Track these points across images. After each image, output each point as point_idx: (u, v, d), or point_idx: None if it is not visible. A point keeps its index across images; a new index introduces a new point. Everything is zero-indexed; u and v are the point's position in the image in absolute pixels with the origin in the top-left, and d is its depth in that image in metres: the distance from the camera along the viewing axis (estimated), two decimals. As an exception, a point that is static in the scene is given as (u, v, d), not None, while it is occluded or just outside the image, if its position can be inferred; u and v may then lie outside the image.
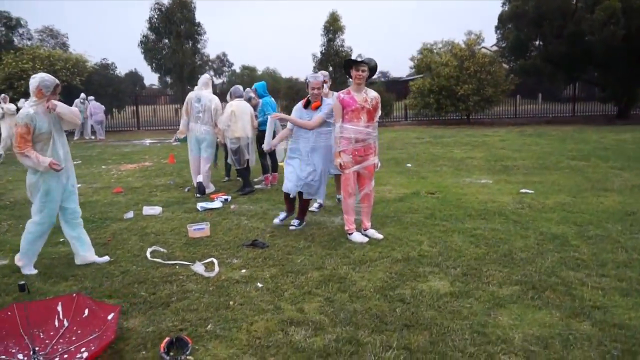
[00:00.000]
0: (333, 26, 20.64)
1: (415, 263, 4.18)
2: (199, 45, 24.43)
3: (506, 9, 20.14)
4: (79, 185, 8.36)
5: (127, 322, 3.28)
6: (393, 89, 24.97)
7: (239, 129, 7.17)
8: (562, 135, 14.15)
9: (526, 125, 18.54)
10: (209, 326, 3.18)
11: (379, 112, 4.99)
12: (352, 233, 4.94)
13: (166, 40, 22.13)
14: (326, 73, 6.27)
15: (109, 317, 3.05)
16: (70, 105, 18.13)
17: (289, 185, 5.24)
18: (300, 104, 5.29)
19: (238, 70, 70.60)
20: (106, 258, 4.51)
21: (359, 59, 4.92)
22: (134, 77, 72.68)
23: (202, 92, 7.23)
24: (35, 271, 4.24)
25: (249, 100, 7.78)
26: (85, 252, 4.45)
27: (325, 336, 3.00)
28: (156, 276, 4.09)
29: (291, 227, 5.34)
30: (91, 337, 2.97)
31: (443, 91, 19.77)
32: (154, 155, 12.52)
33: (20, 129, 3.98)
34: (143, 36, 22.26)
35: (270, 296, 3.62)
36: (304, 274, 4.01)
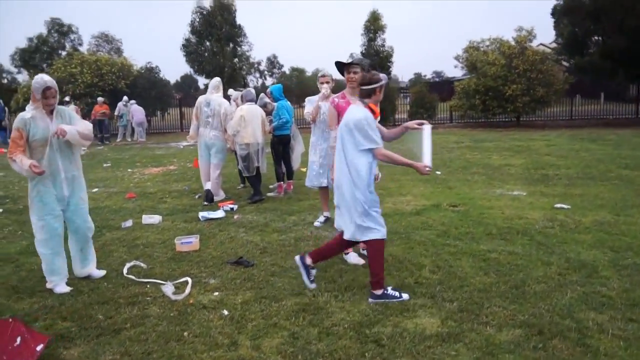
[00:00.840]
0: (374, 25, 20.00)
1: (408, 293, 3.64)
2: (244, 48, 24.57)
3: (560, 2, 18.80)
4: (96, 189, 8.39)
5: (67, 351, 2.98)
6: (438, 89, 24.02)
7: (248, 135, 6.83)
8: (619, 140, 12.90)
9: (582, 127, 17.18)
10: (149, 364, 2.82)
11: (378, 118, 4.48)
12: (347, 253, 4.46)
13: (208, 43, 22.31)
14: (329, 72, 5.56)
15: (38, 349, 2.75)
16: (114, 108, 18.44)
17: None
18: (367, 111, 3.58)
19: (288, 72, 71.21)
20: (102, 272, 4.23)
21: (349, 60, 4.40)
22: (189, 80, 74.76)
23: (212, 96, 6.95)
24: (68, 289, 3.89)
25: (264, 106, 7.45)
26: (82, 268, 4.17)
27: (271, 386, 2.56)
28: (123, 296, 3.78)
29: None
30: (17, 370, 2.68)
31: (489, 92, 18.70)
32: (183, 158, 12.46)
33: (13, 134, 3.77)
34: (185, 39, 22.58)
35: (232, 327, 3.21)
36: (278, 301, 3.58)
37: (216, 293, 3.78)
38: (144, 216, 6.00)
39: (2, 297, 3.85)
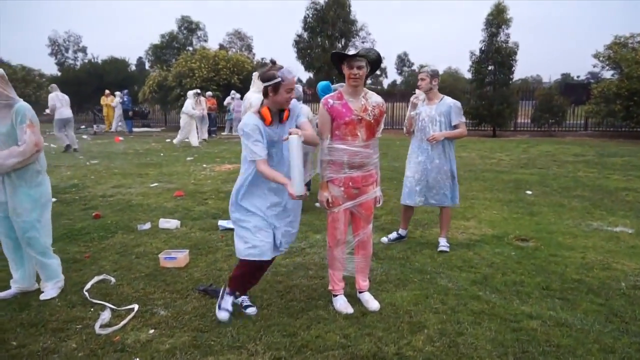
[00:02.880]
0: (497, 19, 17.94)
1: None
2: (365, 45, 23.97)
3: None
4: (155, 184, 8.37)
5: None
6: (573, 92, 20.98)
7: (289, 137, 6.14)
8: None
9: None
10: None
11: (382, 126, 3.49)
12: (336, 295, 3.54)
13: (319, 40, 22.06)
14: (430, 67, 4.73)
15: None
16: (223, 100, 18.90)
17: None
18: (256, 119, 3.05)
19: (417, 70, 69.23)
20: (48, 295, 3.67)
21: (352, 52, 3.41)
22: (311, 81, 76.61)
23: (249, 92, 6.42)
24: (4, 294, 3.66)
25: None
26: (41, 281, 3.79)
27: None
28: (59, 319, 3.33)
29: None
30: None
31: (635, 96, 15.70)
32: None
33: None
34: (297, 35, 22.58)
35: (123, 387, 2.55)
36: (206, 356, 2.83)
37: (152, 331, 3.15)
38: (160, 220, 5.63)
39: (-43, 301, 3.65)
